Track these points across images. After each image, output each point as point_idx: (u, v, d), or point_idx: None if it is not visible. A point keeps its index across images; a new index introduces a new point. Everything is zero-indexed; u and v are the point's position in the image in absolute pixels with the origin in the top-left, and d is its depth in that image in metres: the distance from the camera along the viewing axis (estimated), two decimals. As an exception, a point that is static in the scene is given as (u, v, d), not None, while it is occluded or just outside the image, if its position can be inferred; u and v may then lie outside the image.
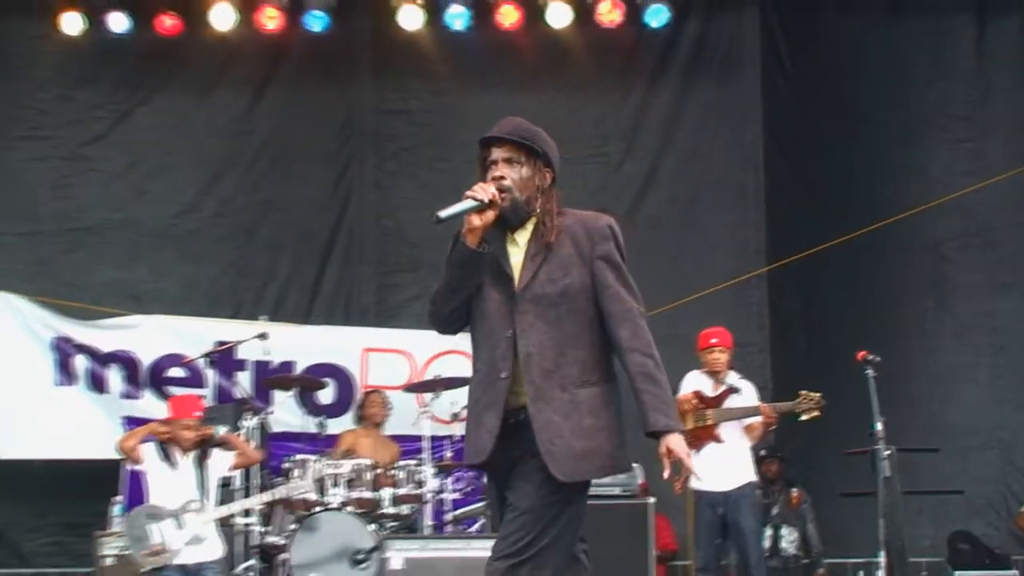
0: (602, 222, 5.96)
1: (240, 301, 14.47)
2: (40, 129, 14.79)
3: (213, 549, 10.41)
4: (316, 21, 14.11)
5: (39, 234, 14.74)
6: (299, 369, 13.23)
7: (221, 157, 14.82)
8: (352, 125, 14.62)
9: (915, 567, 12.18)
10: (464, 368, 13.07)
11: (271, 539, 11.16)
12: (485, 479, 6.41)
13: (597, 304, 5.85)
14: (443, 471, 12.03)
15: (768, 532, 12.41)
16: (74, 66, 14.72)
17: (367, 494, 11.32)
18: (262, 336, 12.48)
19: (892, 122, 14.45)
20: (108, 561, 11.74)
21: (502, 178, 5.86)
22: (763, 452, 12.06)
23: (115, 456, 12.92)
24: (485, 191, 5.77)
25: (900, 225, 13.91)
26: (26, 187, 14.78)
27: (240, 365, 13.47)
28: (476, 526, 11.90)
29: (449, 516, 11.86)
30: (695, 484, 11.02)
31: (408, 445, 12.36)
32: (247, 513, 11.07)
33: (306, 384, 12.76)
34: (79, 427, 13.81)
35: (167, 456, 10.58)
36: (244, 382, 13.22)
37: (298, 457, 11.44)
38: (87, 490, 13.61)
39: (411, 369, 13.37)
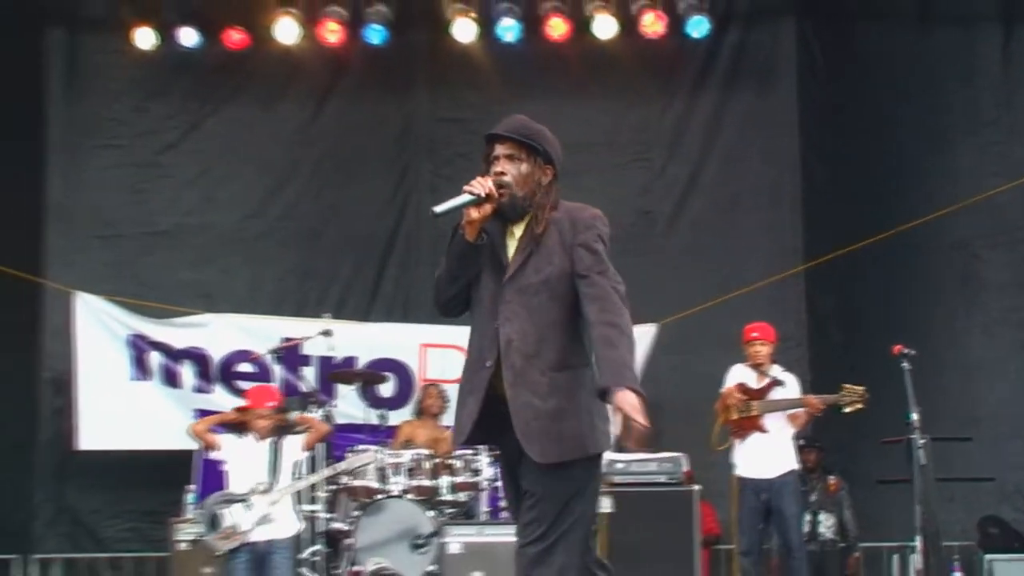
0: (588, 213, 5.90)
1: (304, 300, 14.51)
2: (117, 139, 14.84)
3: (284, 528, 10.43)
4: (375, 35, 14.07)
5: (116, 238, 14.78)
6: (361, 364, 13.31)
7: (286, 165, 14.86)
8: (409, 133, 14.64)
9: (948, 551, 12.10)
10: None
11: (336, 525, 11.17)
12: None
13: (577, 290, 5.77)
14: (498, 460, 12.02)
15: (807, 518, 12.34)
16: (147, 79, 14.74)
17: (426, 482, 11.34)
18: (326, 333, 12.47)
19: (923, 126, 14.39)
20: (182, 546, 11.81)
21: (502, 174, 5.82)
22: (802, 442, 12.02)
23: (188, 447, 13.08)
24: (483, 185, 5.73)
25: (931, 225, 13.84)
26: (104, 193, 14.84)
27: (305, 360, 13.54)
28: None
29: (504, 502, 11.86)
30: (740, 471, 11.04)
31: (466, 435, 12.30)
32: (313, 499, 11.06)
33: (368, 378, 12.78)
34: (154, 420, 13.88)
35: (244, 443, 10.57)
36: (309, 376, 13.29)
37: (360, 447, 11.48)
38: (162, 479, 13.66)
39: (465, 363, 13.36)
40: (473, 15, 13.95)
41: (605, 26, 13.95)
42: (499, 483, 11.85)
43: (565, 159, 14.14)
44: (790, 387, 11.21)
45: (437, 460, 11.40)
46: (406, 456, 11.32)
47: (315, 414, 11.57)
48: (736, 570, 11.34)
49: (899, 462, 10.75)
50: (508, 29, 13.96)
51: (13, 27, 14.68)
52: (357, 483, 11.07)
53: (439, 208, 5.74)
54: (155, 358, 13.95)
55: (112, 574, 14.42)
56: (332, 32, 14.07)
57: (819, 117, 14.54)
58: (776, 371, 11.30)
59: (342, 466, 10.98)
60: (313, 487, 11.07)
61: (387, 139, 14.75)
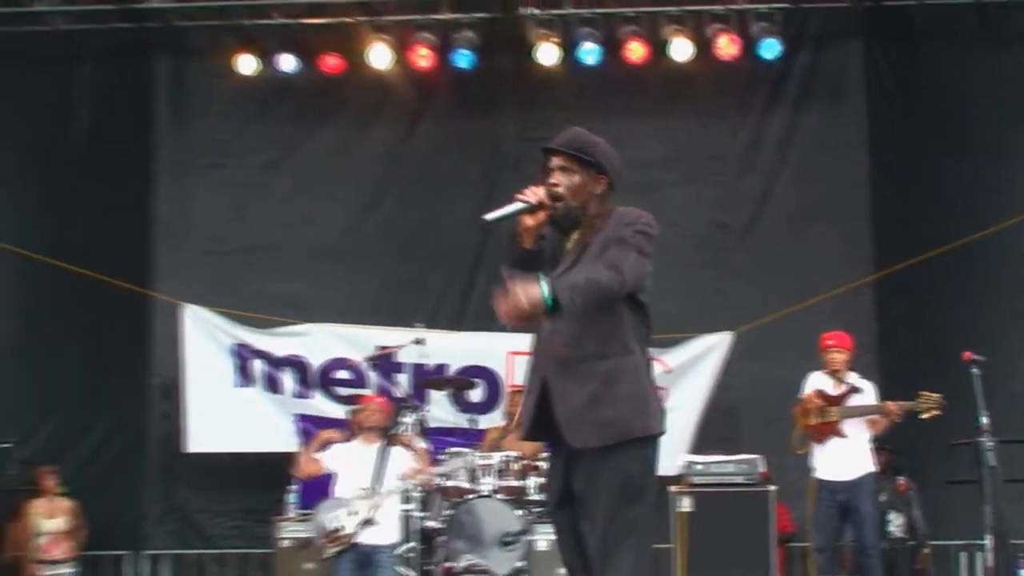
0: (633, 215, 5.81)
1: (398, 310, 14.48)
2: (220, 159, 14.99)
3: (387, 534, 10.52)
4: (463, 59, 14.08)
5: (220, 252, 14.92)
6: (452, 371, 13.34)
7: (379, 182, 14.91)
8: (496, 152, 14.66)
9: (1014, 549, 11.98)
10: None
11: (429, 523, 11.17)
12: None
13: None
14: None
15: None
16: (249, 103, 14.86)
17: (515, 482, 11.35)
18: (419, 341, 12.51)
19: (989, 139, 14.21)
20: (285, 543, 11.90)
21: (555, 184, 5.76)
22: (873, 444, 11.93)
23: (290, 449, 13.19)
24: (535, 194, 5.69)
25: (997, 236, 13.71)
26: (209, 211, 15.00)
27: (399, 368, 13.57)
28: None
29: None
30: (819, 474, 11.01)
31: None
32: (407, 499, 11.10)
33: (458, 384, 12.85)
34: (257, 423, 14.03)
35: (351, 449, 10.63)
36: (403, 383, 13.28)
37: (452, 450, 11.52)
38: (264, 479, 13.74)
39: (554, 371, 13.33)
40: (556, 40, 13.96)
41: (681, 49, 13.91)
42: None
43: (644, 174, 14.27)
44: (868, 394, 11.18)
45: (525, 461, 11.42)
46: (495, 458, 11.33)
47: (409, 419, 11.62)
48: (811, 566, 11.28)
49: (967, 464, 10.73)
50: (589, 53, 13.92)
51: (124, 56, 14.92)
52: (449, 483, 11.08)
53: (491, 215, 5.71)
54: (258, 366, 14.07)
55: (218, 570, 14.55)
56: (423, 57, 14.11)
57: (887, 133, 14.43)
58: (853, 378, 11.27)
59: (437, 470, 10.98)
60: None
61: (475, 157, 14.76)
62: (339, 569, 10.38)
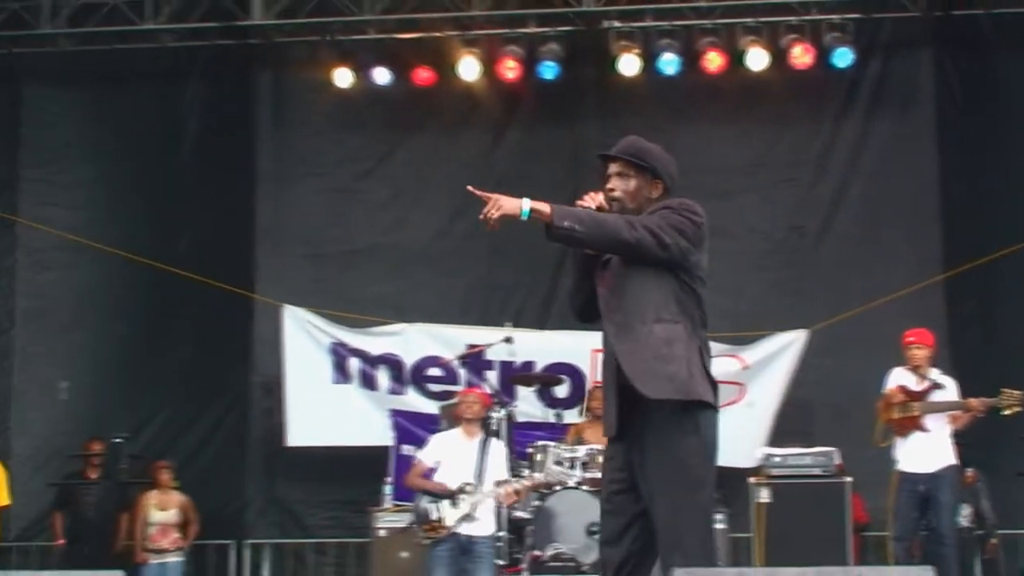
0: (675, 202, 5.89)
1: (487, 310, 14.61)
2: (318, 167, 15.15)
3: (485, 526, 10.45)
4: (548, 70, 14.18)
5: (318, 256, 15.08)
6: (538, 368, 13.38)
7: (467, 185, 14.91)
8: (579, 159, 14.62)
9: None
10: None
11: (518, 514, 11.22)
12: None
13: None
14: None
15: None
16: (345, 114, 15.01)
17: (599, 474, 11.40)
18: (508, 340, 12.57)
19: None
20: (382, 533, 11.99)
21: (612, 189, 5.90)
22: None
23: (386, 443, 13.34)
24: (593, 199, 5.85)
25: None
26: (307, 217, 15.17)
27: (488, 365, 13.64)
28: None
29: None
30: (901, 466, 11.00)
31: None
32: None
33: (545, 381, 12.89)
34: (354, 418, 14.17)
35: (453, 441, 10.67)
36: (492, 380, 13.33)
37: (539, 443, 11.56)
38: (361, 472, 13.90)
39: (634, 368, 13.35)
40: (637, 51, 14.04)
41: (757, 59, 13.96)
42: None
43: (722, 180, 14.38)
44: (949, 389, 11.13)
45: (609, 454, 11.48)
46: (581, 451, 11.40)
47: (499, 414, 11.69)
48: (888, 555, 11.28)
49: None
50: (669, 63, 13.98)
51: (228, 71, 15.18)
52: (541, 479, 11.07)
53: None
54: (354, 363, 14.24)
55: (316, 558, 14.68)
56: (510, 69, 14.23)
57: (956, 139, 14.38)
58: (935, 374, 11.23)
59: (539, 478, 10.97)
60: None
61: (559, 164, 14.76)
62: (436, 557, 10.35)
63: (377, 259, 14.98)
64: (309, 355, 14.28)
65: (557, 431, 12.10)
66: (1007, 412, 10.98)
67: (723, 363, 13.66)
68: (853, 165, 14.55)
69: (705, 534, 5.71)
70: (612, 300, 5.81)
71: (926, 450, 11.00)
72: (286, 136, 15.22)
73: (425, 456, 10.78)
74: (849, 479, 11.39)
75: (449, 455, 10.61)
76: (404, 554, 11.61)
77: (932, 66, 14.55)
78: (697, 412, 5.71)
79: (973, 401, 11.03)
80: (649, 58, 14.11)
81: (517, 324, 13.55)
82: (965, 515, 12.72)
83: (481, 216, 5.67)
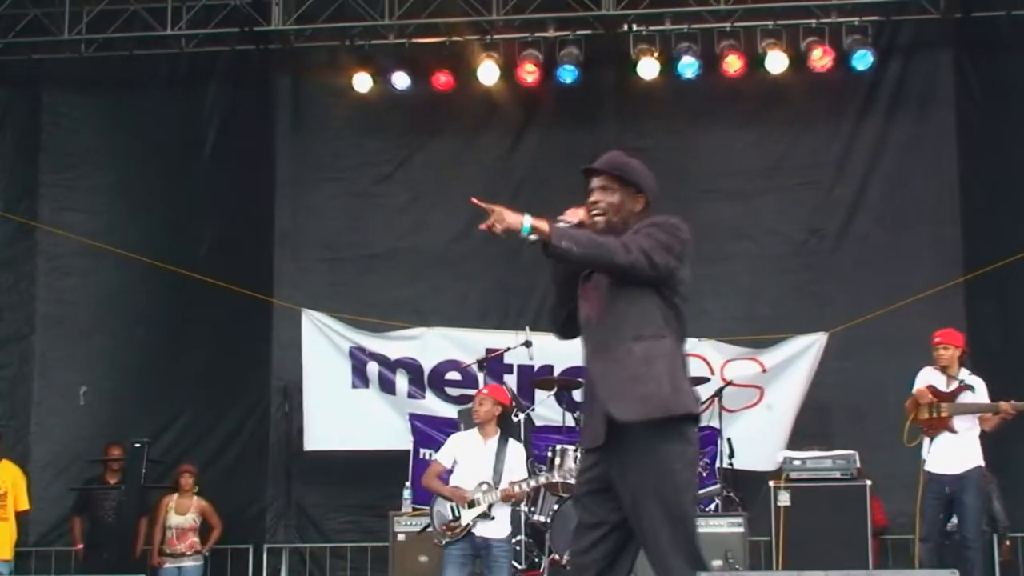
0: (660, 218, 5.85)
1: (505, 314, 14.61)
2: (337, 172, 15.17)
3: (501, 527, 10.40)
4: (567, 74, 14.17)
5: (337, 260, 15.11)
6: (557, 372, 13.29)
7: (487, 191, 14.67)
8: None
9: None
10: (699, 369, 13.22)
11: (537, 518, 11.24)
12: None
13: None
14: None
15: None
16: (364, 118, 15.04)
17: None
18: (527, 344, 12.54)
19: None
20: (400, 537, 11.96)
21: (596, 202, 5.88)
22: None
23: (404, 447, 13.33)
24: (575, 214, 5.83)
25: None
26: (326, 221, 15.19)
27: (507, 369, 13.68)
28: (712, 505, 11.94)
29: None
30: (928, 467, 10.95)
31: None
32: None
33: (564, 384, 12.84)
34: (373, 423, 14.21)
35: (470, 441, 10.60)
36: (511, 383, 13.36)
37: (558, 447, 11.50)
38: (379, 476, 13.93)
39: (654, 370, 13.31)
40: (656, 54, 14.04)
41: (776, 61, 13.94)
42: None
43: (742, 182, 14.33)
44: (979, 390, 11.07)
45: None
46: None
47: (518, 417, 11.68)
48: (915, 557, 11.21)
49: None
50: (688, 66, 13.96)
51: (248, 76, 15.22)
52: (557, 479, 11.10)
53: (535, 236, 5.69)
54: (373, 368, 14.26)
55: (335, 562, 14.66)
56: (529, 73, 14.23)
57: (976, 140, 14.35)
58: (964, 375, 11.17)
59: (553, 476, 10.94)
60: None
61: (577, 167, 14.60)
62: (448, 556, 10.34)
63: (396, 263, 15.00)
64: (328, 359, 14.30)
65: (576, 435, 12.06)
66: None
67: (742, 366, 13.69)
68: (872, 167, 14.52)
69: (693, 538, 5.63)
70: (592, 317, 5.79)
71: (953, 451, 10.95)
72: (305, 141, 15.25)
73: (442, 457, 10.76)
74: (869, 482, 11.36)
75: (466, 455, 10.56)
76: (423, 558, 11.58)
77: (951, 68, 14.53)
78: (680, 422, 5.64)
79: (1004, 404, 10.97)
80: (668, 61, 14.10)
81: (535, 328, 13.44)
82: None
83: (483, 227, 5.59)
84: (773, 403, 13.68)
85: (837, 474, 11.41)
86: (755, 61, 14.04)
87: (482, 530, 10.32)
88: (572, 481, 10.98)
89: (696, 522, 5.73)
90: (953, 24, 14.36)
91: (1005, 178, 14.20)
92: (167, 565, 13.34)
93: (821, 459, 11.54)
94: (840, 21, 13.95)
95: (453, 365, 13.97)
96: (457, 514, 10.30)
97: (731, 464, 12.62)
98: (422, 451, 13.57)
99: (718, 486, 12.09)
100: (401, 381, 14.22)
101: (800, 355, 13.78)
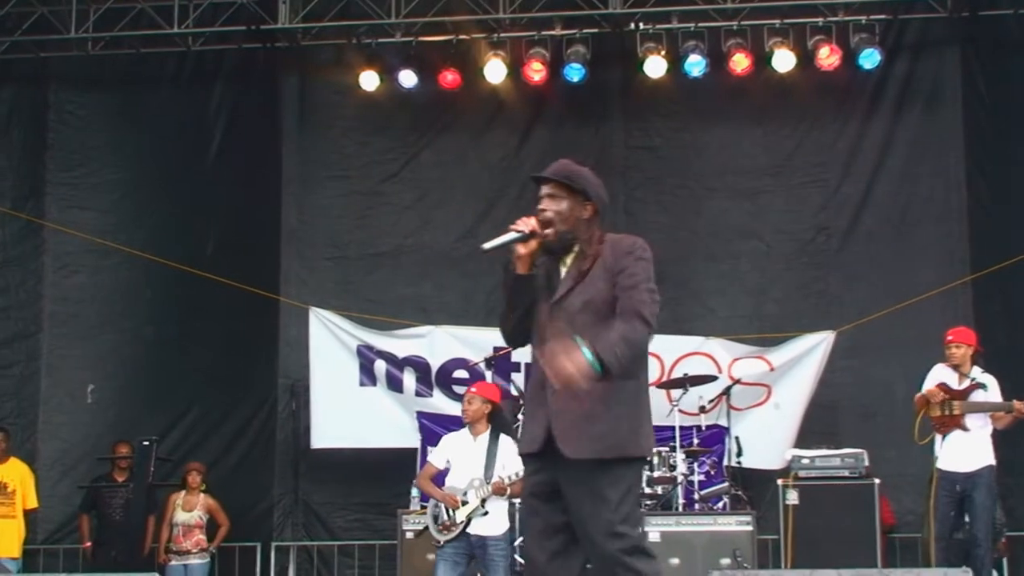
0: (627, 242, 5.89)
1: (513, 312, 14.60)
2: (343, 170, 15.21)
3: (497, 524, 10.23)
4: (574, 73, 14.16)
5: (344, 259, 15.13)
6: (565, 370, 13.30)
7: (493, 189, 14.94)
8: (605, 160, 14.66)
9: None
10: (706, 367, 13.24)
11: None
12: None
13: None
14: (691, 456, 12.10)
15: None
16: (371, 116, 15.07)
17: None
18: (534, 342, 12.53)
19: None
20: (408, 535, 11.97)
21: (544, 210, 5.89)
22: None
23: (411, 445, 13.35)
24: (526, 224, 5.85)
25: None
26: (333, 219, 15.21)
27: (515, 367, 13.64)
28: (720, 504, 11.97)
29: (697, 495, 11.93)
30: (940, 464, 10.95)
31: (660, 434, 12.14)
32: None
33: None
34: (380, 421, 14.22)
35: (463, 440, 10.51)
36: (519, 382, 13.35)
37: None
38: (387, 474, 13.97)
39: (661, 369, 13.38)
40: (663, 53, 14.05)
41: (784, 60, 13.95)
42: (692, 477, 11.98)
43: (748, 180, 14.35)
44: (991, 389, 11.07)
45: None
46: (608, 453, 11.34)
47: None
48: (928, 555, 11.21)
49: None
50: (695, 65, 13.96)
51: (254, 75, 15.22)
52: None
53: (487, 245, 5.86)
54: (380, 366, 14.27)
55: (342, 560, 14.65)
56: (536, 72, 14.23)
57: (983, 138, 14.38)
58: (976, 372, 11.17)
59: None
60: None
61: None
62: (444, 555, 10.24)
63: (403, 261, 15.03)
64: (335, 357, 14.32)
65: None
66: None
67: (749, 365, 13.72)
68: (879, 166, 14.55)
69: (640, 552, 5.71)
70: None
71: (965, 449, 10.95)
72: (312, 139, 15.27)
73: (434, 458, 10.68)
74: (878, 481, 11.38)
75: (458, 455, 10.46)
76: (431, 556, 11.43)
77: (958, 66, 14.55)
78: (631, 461, 5.79)
79: (1018, 403, 10.97)
80: (675, 60, 14.12)
81: (543, 326, 13.52)
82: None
83: (553, 381, 5.55)
84: (781, 401, 13.71)
85: (846, 473, 11.44)
86: (762, 60, 14.05)
87: (477, 528, 10.16)
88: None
89: (640, 541, 5.79)
90: (960, 23, 14.37)
91: (1012, 176, 14.22)
92: (173, 563, 13.38)
93: (830, 458, 11.56)
94: (847, 20, 13.98)
95: (461, 363, 13.99)
96: (452, 514, 10.20)
97: (739, 462, 12.65)
98: (430, 449, 13.47)
99: (726, 484, 12.11)
100: (409, 379, 14.24)
101: (808, 353, 13.80)
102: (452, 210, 15.02)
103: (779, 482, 11.62)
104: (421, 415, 14.04)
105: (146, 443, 13.06)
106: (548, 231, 5.85)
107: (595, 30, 14.40)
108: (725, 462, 12.69)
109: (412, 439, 13.93)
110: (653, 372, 13.63)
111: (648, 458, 5.87)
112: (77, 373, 15.01)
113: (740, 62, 14.00)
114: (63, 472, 14.71)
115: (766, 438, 13.29)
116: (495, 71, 14.26)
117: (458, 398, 13.70)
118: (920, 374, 11.39)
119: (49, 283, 15.19)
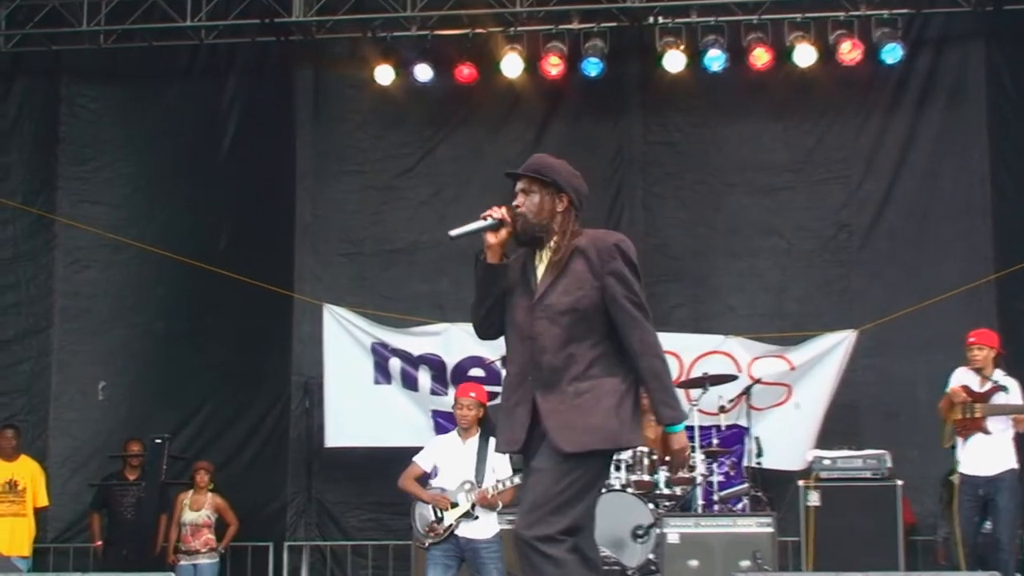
0: (611, 240, 5.93)
1: (528, 309, 14.54)
2: (358, 165, 15.16)
3: (486, 528, 10.04)
4: (592, 67, 14.06)
5: (359, 255, 15.08)
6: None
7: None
8: (623, 155, 14.67)
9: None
10: (726, 367, 13.15)
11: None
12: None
13: (606, 313, 5.79)
14: (711, 457, 12.03)
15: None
16: (386, 110, 15.00)
17: (645, 477, 11.39)
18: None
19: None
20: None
21: (517, 205, 6.01)
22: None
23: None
24: (499, 212, 5.98)
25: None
26: (347, 215, 15.17)
27: (531, 365, 13.52)
28: (740, 505, 11.89)
29: (716, 496, 11.86)
30: (962, 468, 10.87)
31: (679, 434, 12.19)
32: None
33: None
34: (394, 419, 14.15)
35: (452, 442, 10.37)
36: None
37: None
38: (399, 474, 13.74)
39: (680, 368, 13.27)
40: (682, 47, 13.96)
41: (805, 55, 13.86)
42: (711, 478, 11.91)
43: (769, 176, 14.23)
44: (1013, 392, 10.98)
45: (654, 457, 11.44)
46: (626, 453, 11.33)
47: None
48: (946, 558, 11.15)
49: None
50: (715, 59, 13.86)
51: (268, 68, 15.16)
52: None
53: (454, 232, 5.99)
54: (395, 364, 14.22)
55: (355, 560, 14.61)
56: (553, 66, 14.14)
57: (1008, 134, 14.28)
58: (998, 375, 11.07)
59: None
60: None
61: (602, 160, 14.71)
62: (432, 559, 10.06)
63: (418, 257, 14.96)
64: (350, 355, 14.27)
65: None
66: None
67: (770, 364, 13.63)
68: (902, 162, 14.45)
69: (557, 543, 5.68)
70: (543, 354, 5.80)
71: (987, 453, 10.86)
72: (326, 133, 15.23)
73: (420, 460, 10.49)
74: (900, 482, 11.28)
75: (446, 458, 10.29)
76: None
77: (982, 61, 14.45)
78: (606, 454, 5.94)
79: None
80: (695, 54, 14.02)
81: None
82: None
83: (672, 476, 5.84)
84: (801, 401, 13.60)
85: (868, 474, 11.35)
86: (783, 54, 13.97)
87: (465, 531, 9.98)
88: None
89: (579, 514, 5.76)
90: (984, 17, 14.25)
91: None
92: (183, 562, 13.31)
93: (852, 459, 11.46)
94: (869, 14, 13.86)
95: (477, 361, 13.92)
96: (440, 515, 10.03)
97: (759, 463, 12.54)
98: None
99: (746, 485, 12.03)
100: (424, 377, 14.18)
101: (829, 353, 13.68)
102: (468, 205, 14.75)
103: (800, 483, 11.53)
104: (436, 414, 13.99)
105: (158, 441, 13.03)
106: (517, 222, 5.95)
107: (613, 24, 14.30)
108: (745, 462, 12.60)
109: (427, 438, 13.74)
110: (672, 371, 13.57)
111: (618, 454, 5.95)
112: (88, 369, 14.99)
113: (760, 56, 13.92)
114: (74, 470, 14.68)
115: (787, 438, 13.19)
116: (512, 65, 14.19)
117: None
118: (944, 374, 11.28)
119: (60, 278, 15.16)
